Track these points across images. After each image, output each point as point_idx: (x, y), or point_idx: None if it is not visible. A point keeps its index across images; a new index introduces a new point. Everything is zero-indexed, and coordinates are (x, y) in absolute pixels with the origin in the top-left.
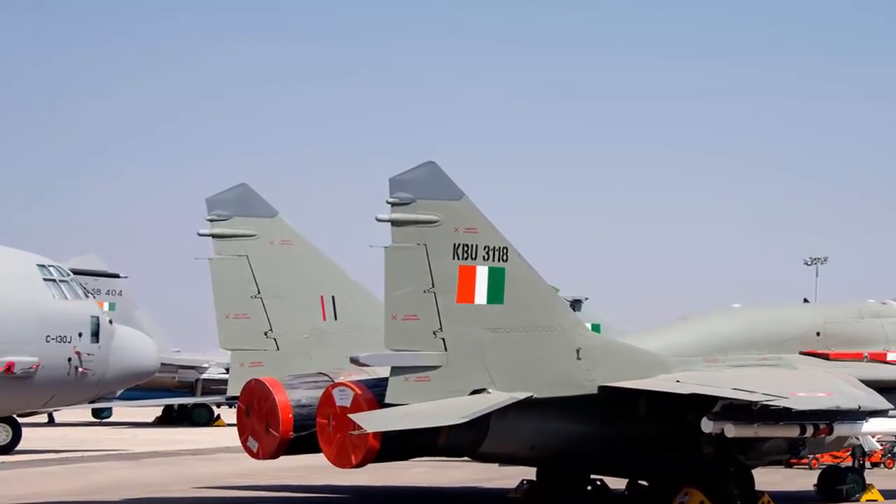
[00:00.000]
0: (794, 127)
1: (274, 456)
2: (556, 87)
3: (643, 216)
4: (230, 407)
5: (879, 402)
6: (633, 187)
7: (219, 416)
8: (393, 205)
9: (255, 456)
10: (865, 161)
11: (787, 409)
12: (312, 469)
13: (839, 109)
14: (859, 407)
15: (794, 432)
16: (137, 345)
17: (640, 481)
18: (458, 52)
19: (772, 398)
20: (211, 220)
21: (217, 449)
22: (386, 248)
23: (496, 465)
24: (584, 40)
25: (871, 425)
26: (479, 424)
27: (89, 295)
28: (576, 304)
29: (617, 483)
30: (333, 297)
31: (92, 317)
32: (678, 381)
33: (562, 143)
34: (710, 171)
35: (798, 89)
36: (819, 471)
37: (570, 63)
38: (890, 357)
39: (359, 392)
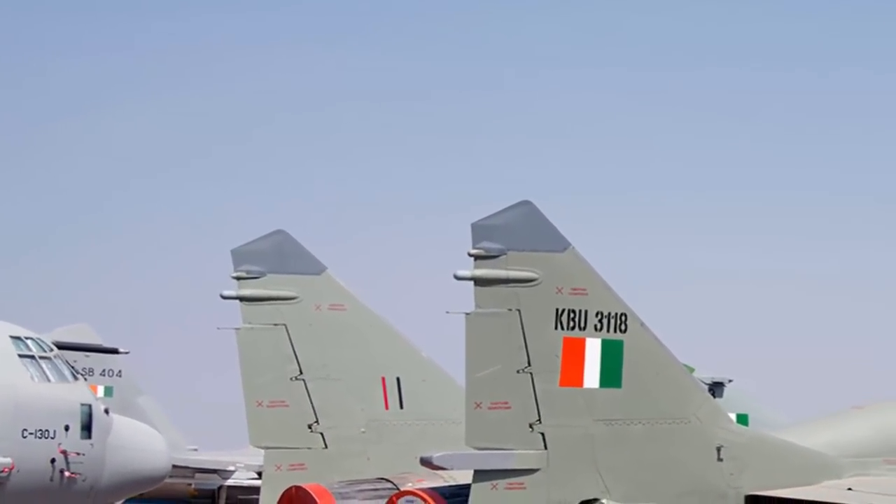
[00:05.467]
0: None
1: None
2: (687, 108)
3: (804, 275)
4: None
5: None
6: (791, 239)
7: None
8: (477, 258)
9: None
10: None
11: None
12: None
13: None
14: None
15: None
16: (142, 441)
17: None
18: (559, 63)
19: None
20: (238, 278)
21: None
22: (468, 314)
23: None
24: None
25: None
26: None
27: (79, 376)
28: (716, 389)
29: None
30: (398, 379)
31: (82, 405)
32: (850, 490)
33: (696, 181)
34: (887, 217)
35: None
36: None
37: (702, 80)
38: None
39: (432, 503)
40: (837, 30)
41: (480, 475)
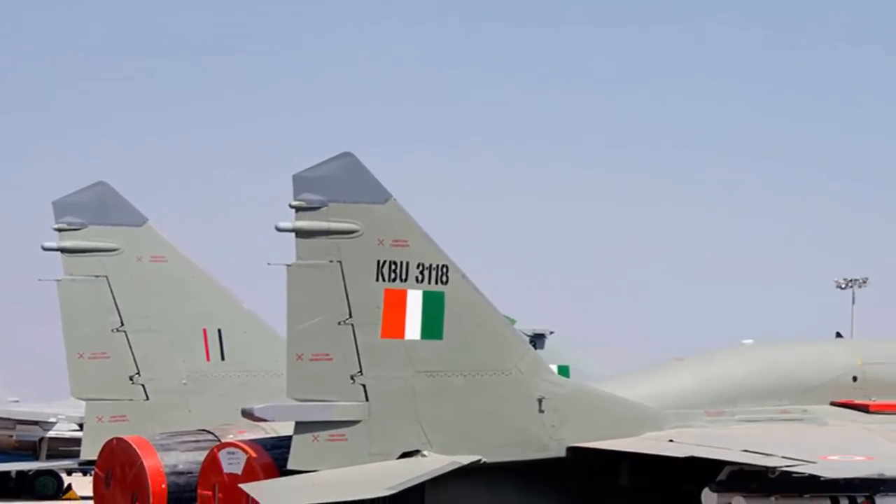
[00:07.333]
0: (822, 120)
1: None
2: (516, 62)
3: (624, 227)
4: (85, 474)
5: None
6: (611, 191)
7: (69, 486)
8: (297, 209)
9: None
10: None
11: (814, 478)
12: None
13: (877, 95)
14: None
15: None
16: None
17: None
18: (378, 14)
19: (794, 463)
20: (59, 230)
21: None
22: (288, 266)
23: None
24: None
25: None
26: (412, 498)
27: None
28: (537, 340)
29: None
30: (220, 331)
31: None
32: (671, 441)
33: (516, 136)
34: (712, 170)
35: (817, 78)
36: None
37: (536, 32)
38: None
39: (253, 455)
40: None
41: (302, 427)
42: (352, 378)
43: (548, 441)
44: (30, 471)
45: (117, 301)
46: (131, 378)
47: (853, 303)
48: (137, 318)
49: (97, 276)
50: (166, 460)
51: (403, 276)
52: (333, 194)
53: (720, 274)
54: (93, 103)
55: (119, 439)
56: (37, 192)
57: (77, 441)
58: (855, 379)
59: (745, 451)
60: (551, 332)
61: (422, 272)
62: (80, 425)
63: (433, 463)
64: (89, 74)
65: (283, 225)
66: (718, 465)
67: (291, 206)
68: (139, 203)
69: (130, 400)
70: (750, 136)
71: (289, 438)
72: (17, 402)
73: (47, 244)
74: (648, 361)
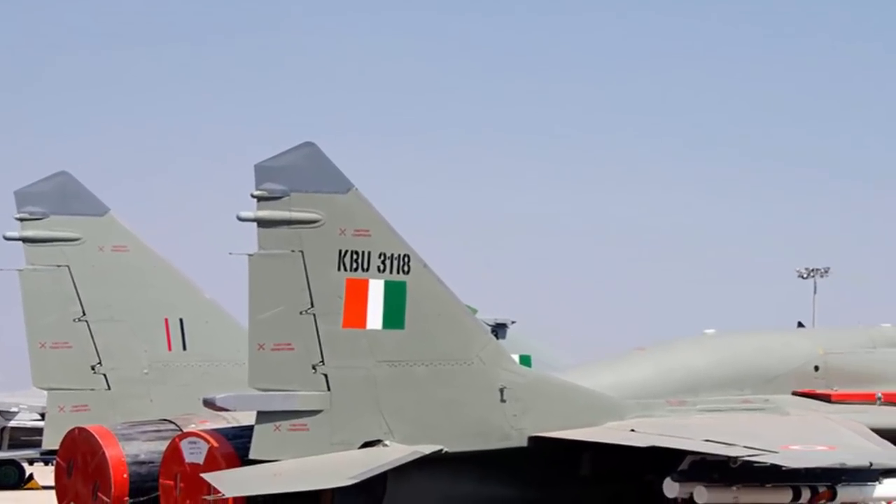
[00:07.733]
0: (786, 113)
1: None
2: (477, 54)
3: (587, 217)
4: (46, 464)
5: None
6: (573, 181)
7: (31, 475)
8: (259, 199)
9: None
10: (871, 150)
11: (776, 467)
12: None
13: (839, 91)
14: (870, 464)
15: (785, 497)
16: None
17: None
18: (337, 6)
19: (756, 452)
20: (21, 220)
21: None
22: (250, 255)
23: None
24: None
25: (886, 488)
26: (373, 488)
27: None
28: (499, 330)
29: None
30: (181, 321)
31: None
32: (633, 431)
33: (479, 128)
34: (675, 160)
35: (786, 73)
36: None
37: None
38: None
39: (215, 445)
40: None
41: (263, 416)
42: (313, 368)
43: (509, 431)
44: None
45: (79, 291)
46: (93, 368)
47: (815, 292)
48: (99, 307)
49: (59, 266)
50: (128, 450)
51: (365, 266)
52: (295, 184)
53: (682, 263)
54: (54, 92)
55: (81, 429)
56: None
57: (39, 431)
58: (817, 368)
59: (707, 440)
60: (513, 322)
61: (383, 262)
62: (42, 415)
63: (395, 453)
64: (51, 64)
65: (244, 214)
66: (680, 454)
67: (253, 196)
68: (101, 193)
69: (92, 389)
70: (712, 126)
71: (250, 428)
72: None
73: (9, 234)
74: (610, 351)
